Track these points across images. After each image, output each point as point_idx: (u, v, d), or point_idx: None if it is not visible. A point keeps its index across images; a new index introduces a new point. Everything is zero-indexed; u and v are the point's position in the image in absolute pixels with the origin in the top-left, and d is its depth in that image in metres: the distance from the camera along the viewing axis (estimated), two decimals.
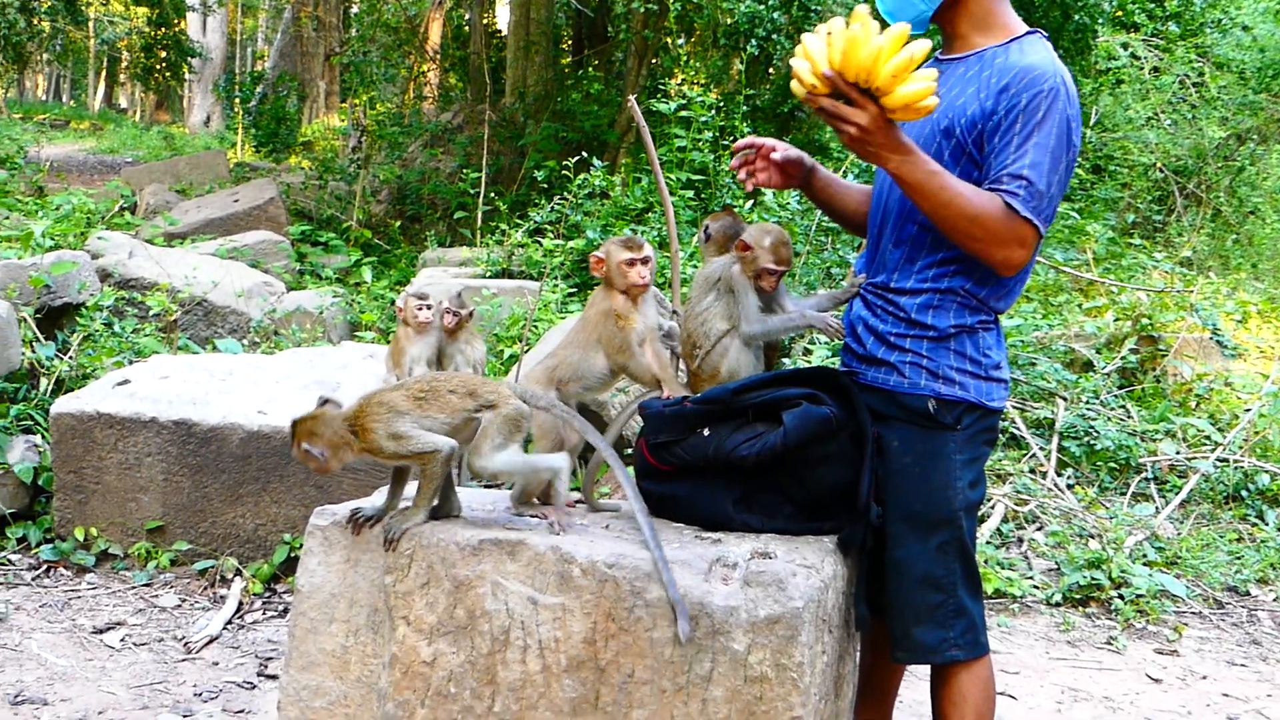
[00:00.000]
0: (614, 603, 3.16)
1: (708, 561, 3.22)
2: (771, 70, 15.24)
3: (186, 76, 34.57)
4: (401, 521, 3.34)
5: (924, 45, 3.11)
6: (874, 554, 3.54)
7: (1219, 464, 8.18)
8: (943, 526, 3.47)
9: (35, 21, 20.59)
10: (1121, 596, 6.50)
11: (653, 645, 3.14)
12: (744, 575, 3.16)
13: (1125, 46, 16.30)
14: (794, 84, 3.23)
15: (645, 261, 3.63)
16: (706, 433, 3.40)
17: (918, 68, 3.09)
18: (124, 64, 43.28)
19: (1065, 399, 8.73)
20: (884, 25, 3.15)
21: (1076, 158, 3.36)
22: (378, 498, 3.61)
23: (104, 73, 49.87)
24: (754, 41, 13.20)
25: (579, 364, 3.69)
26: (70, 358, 7.15)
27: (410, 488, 3.46)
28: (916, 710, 4.71)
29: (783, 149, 3.68)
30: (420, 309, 5.81)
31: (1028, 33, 3.41)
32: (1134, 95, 16.03)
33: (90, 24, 36.50)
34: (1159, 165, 15.57)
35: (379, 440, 3.32)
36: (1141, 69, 16.32)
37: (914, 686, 4.72)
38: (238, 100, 25.78)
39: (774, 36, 12.84)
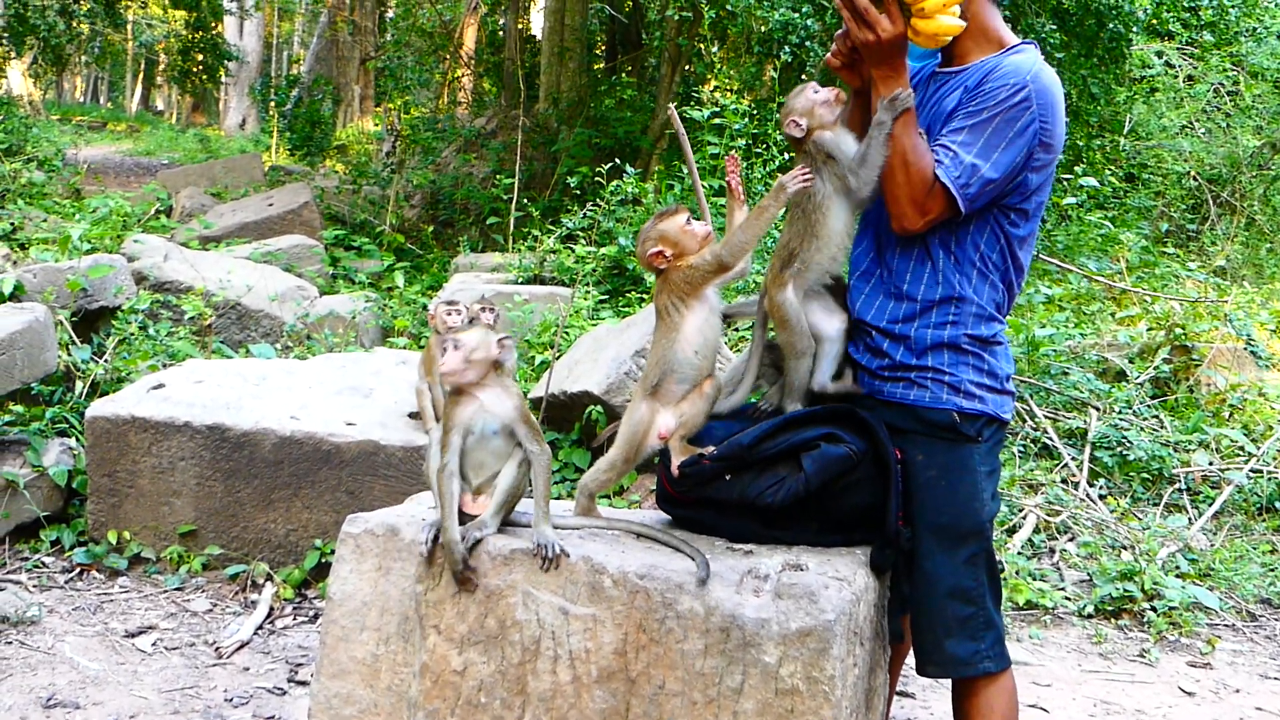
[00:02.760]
0: (645, 614, 3.17)
1: (739, 573, 3.22)
2: (804, 77, 15.22)
3: (223, 79, 34.76)
4: (546, 533, 3.31)
5: None
6: (898, 568, 3.54)
7: (1252, 475, 8.11)
8: (971, 538, 3.48)
9: (74, 24, 20.72)
10: (1154, 609, 6.45)
11: (684, 657, 3.14)
12: (775, 587, 3.16)
13: (1160, 55, 16.18)
14: None
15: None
16: (729, 478, 3.39)
17: None
18: (161, 66, 43.48)
19: (1098, 409, 8.68)
20: None
21: (1044, 158, 3.37)
22: (413, 506, 3.63)
23: (141, 75, 50.19)
24: (787, 48, 13.16)
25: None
26: (105, 361, 7.21)
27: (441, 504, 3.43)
28: None
29: None
30: (450, 314, 5.82)
31: (1021, 43, 3.47)
32: (1168, 103, 15.93)
33: (129, 27, 36.76)
34: (1193, 174, 15.45)
35: None
36: (1176, 77, 16.20)
37: (946, 698, 4.71)
38: (273, 104, 25.89)
39: (807, 44, 12.80)
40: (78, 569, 6.04)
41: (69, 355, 7.10)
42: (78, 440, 6.50)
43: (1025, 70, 3.30)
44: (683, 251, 3.54)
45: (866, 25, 3.22)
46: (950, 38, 3.25)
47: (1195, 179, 15.50)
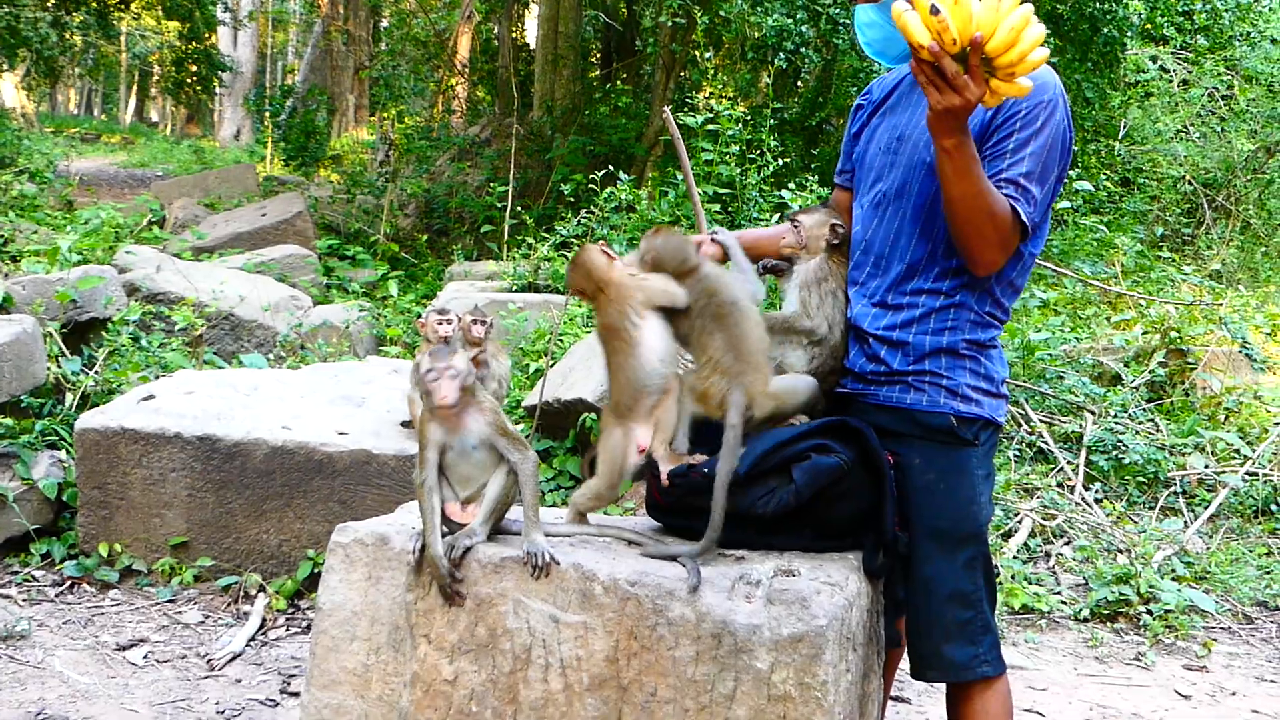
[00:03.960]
0: (636, 621, 3.14)
1: (730, 579, 3.20)
2: (799, 84, 15.24)
3: (217, 90, 34.76)
4: (536, 541, 3.27)
5: (1042, 29, 3.01)
6: (894, 574, 3.52)
7: (1248, 478, 8.11)
8: (969, 542, 3.46)
9: (67, 36, 20.72)
10: (1150, 612, 6.43)
11: (675, 664, 3.12)
12: (767, 593, 3.13)
13: (1154, 59, 16.23)
14: (918, 26, 2.96)
15: None
16: None
17: None
18: (155, 78, 43.59)
19: (1093, 413, 8.67)
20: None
21: (1067, 171, 3.39)
22: (404, 515, 3.60)
23: (135, 87, 50.23)
24: (781, 55, 13.19)
25: None
26: (96, 373, 7.18)
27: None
28: None
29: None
30: (441, 324, 5.79)
31: None
32: (1163, 108, 15.97)
33: (122, 38, 36.81)
34: (1188, 178, 15.48)
35: None
36: (1170, 82, 16.24)
37: (941, 702, 4.68)
38: (267, 114, 25.90)
39: (802, 50, 12.82)
40: (68, 582, 6.01)
41: (58, 367, 7.07)
42: (67, 453, 6.46)
43: (1049, 83, 3.27)
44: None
45: (954, 90, 3.01)
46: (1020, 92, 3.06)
47: (1190, 183, 15.53)
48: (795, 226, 3.69)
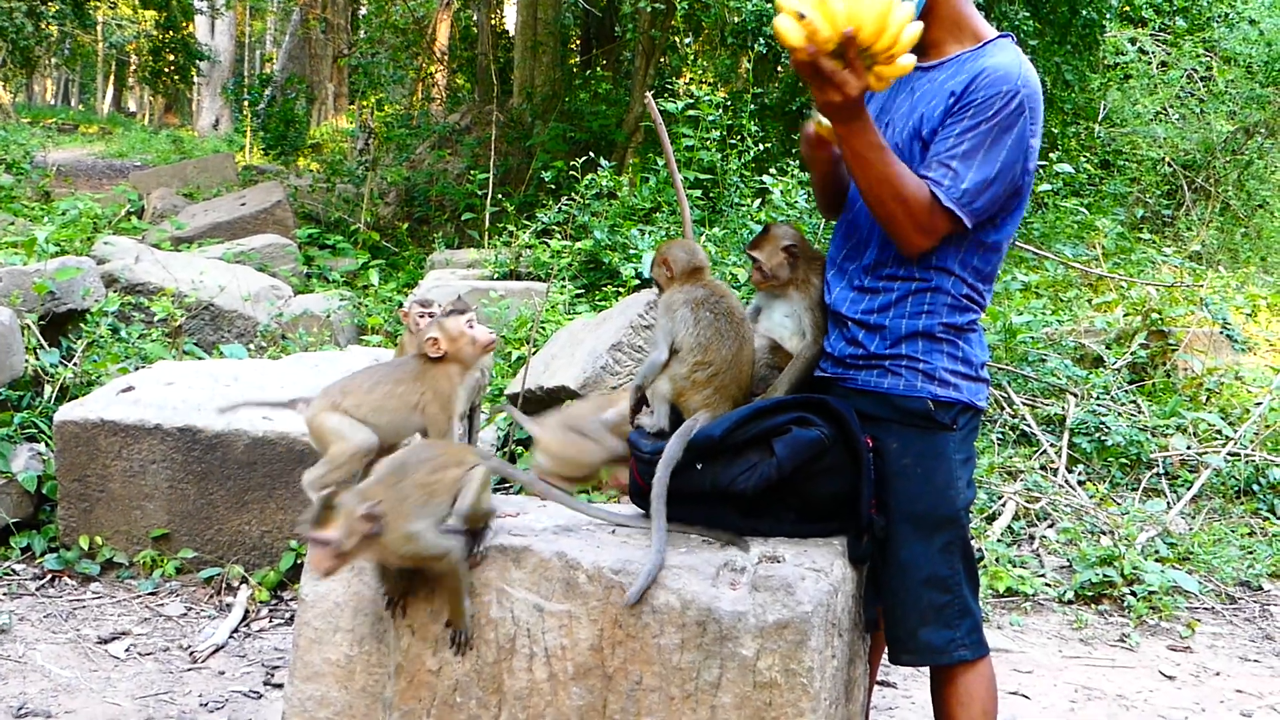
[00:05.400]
0: (621, 609, 3.13)
1: (715, 566, 3.19)
2: (780, 68, 15.21)
3: (195, 80, 34.62)
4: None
5: (909, 7, 3.14)
6: (874, 558, 3.51)
7: (1230, 458, 8.13)
8: (946, 526, 3.45)
9: (43, 26, 20.56)
10: (1134, 593, 6.45)
11: (660, 652, 3.11)
12: (752, 580, 3.13)
13: (1133, 41, 16.25)
14: (787, 28, 3.06)
15: None
16: (700, 467, 3.35)
17: None
18: (132, 67, 43.34)
19: (1075, 395, 8.68)
20: None
21: (1035, 161, 3.38)
22: None
23: (112, 76, 49.93)
24: (761, 39, 13.18)
25: None
26: (74, 364, 7.13)
27: None
28: (926, 710, 4.67)
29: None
30: (423, 316, 5.72)
31: (999, 36, 3.42)
32: (1142, 90, 15.97)
33: (98, 28, 36.56)
34: (1167, 160, 15.51)
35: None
36: (1149, 64, 16.25)
37: (927, 686, 4.68)
38: (246, 103, 25.78)
39: None
40: (49, 576, 5.97)
41: (37, 359, 7.02)
42: (47, 445, 6.41)
43: (1015, 74, 3.25)
44: (459, 355, 3.67)
45: (834, 87, 3.10)
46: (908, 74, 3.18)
47: (1170, 165, 15.56)
48: (757, 264, 3.66)
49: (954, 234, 3.31)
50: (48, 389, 6.89)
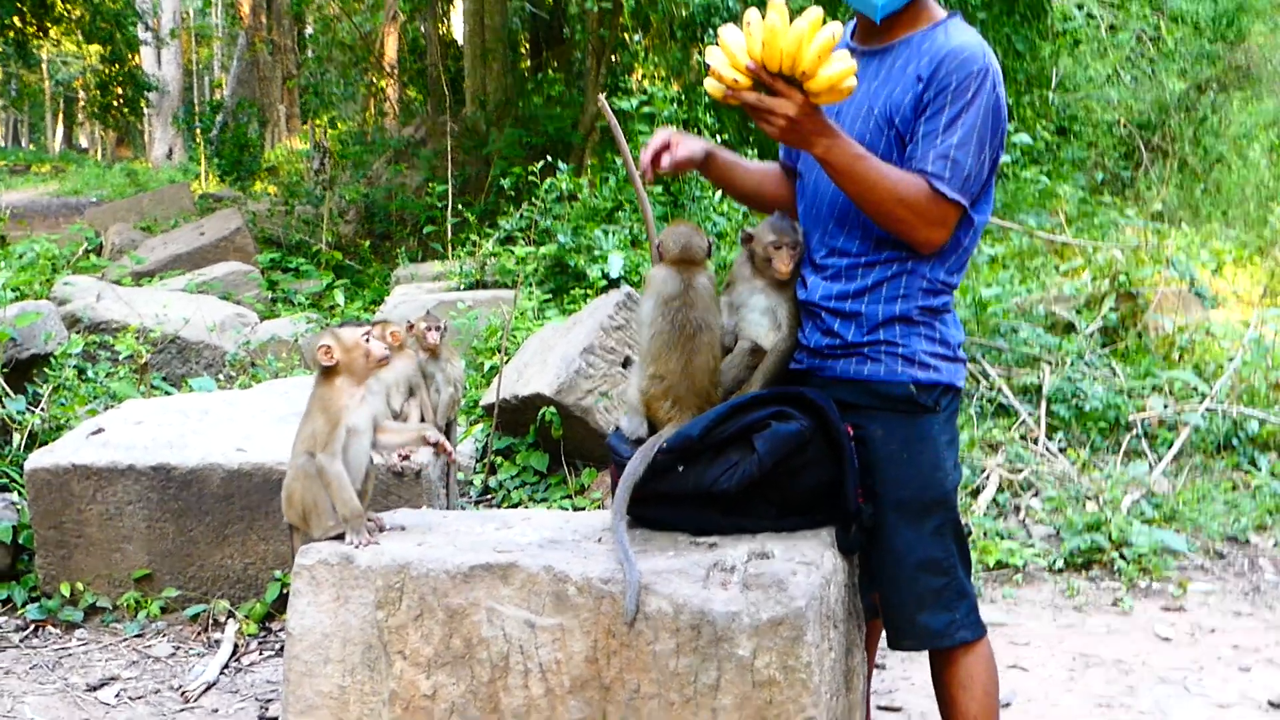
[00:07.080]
0: (613, 618, 3.10)
1: (705, 567, 3.16)
2: None
3: (145, 111, 34.35)
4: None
5: (837, 25, 3.08)
6: (865, 546, 3.49)
7: (1207, 414, 8.15)
8: (936, 509, 3.44)
9: None
10: (1123, 556, 6.46)
11: (656, 658, 3.08)
12: (743, 578, 3.10)
13: (1080, 7, 16.28)
14: (709, 83, 3.17)
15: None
16: (681, 469, 3.31)
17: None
18: (81, 103, 43.01)
19: (1050, 363, 8.69)
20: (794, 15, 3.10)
21: (1005, 136, 3.37)
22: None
23: (61, 114, 49.63)
24: (711, 31, 13.13)
25: None
26: (42, 410, 7.04)
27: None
28: (927, 690, 4.65)
29: (685, 149, 3.55)
30: (430, 330, 5.62)
31: (949, 16, 3.39)
32: (1093, 54, 16.04)
33: (43, 66, 36.29)
34: (1123, 122, 15.59)
35: None
36: (1098, 28, 16.31)
37: (925, 668, 4.66)
38: (198, 131, 25.62)
39: (731, 25, 12.77)
40: (32, 626, 5.88)
41: (3, 408, 6.92)
42: (20, 494, 6.33)
43: (980, 52, 3.24)
44: (350, 366, 3.69)
45: (770, 116, 3.11)
46: (848, 81, 3.08)
47: (1125, 127, 15.64)
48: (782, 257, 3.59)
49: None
50: (16, 437, 6.80)
